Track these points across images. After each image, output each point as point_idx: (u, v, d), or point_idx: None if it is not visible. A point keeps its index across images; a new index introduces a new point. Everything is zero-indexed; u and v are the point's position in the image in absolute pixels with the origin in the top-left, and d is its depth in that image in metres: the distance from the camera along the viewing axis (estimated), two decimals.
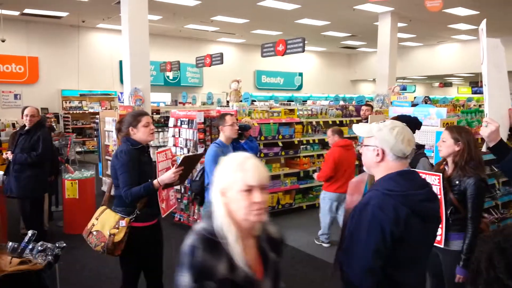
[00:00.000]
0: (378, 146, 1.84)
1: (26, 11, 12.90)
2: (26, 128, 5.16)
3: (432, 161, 3.91)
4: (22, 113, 5.23)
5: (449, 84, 28.70)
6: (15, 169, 5.05)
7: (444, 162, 3.11)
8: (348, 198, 2.10)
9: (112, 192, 3.37)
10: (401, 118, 3.71)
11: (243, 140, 5.73)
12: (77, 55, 15.17)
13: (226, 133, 4.60)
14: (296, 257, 5.42)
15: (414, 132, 3.74)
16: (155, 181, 3.04)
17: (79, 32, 15.25)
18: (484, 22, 2.00)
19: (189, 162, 3.23)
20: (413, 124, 3.66)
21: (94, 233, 3.09)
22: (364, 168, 1.99)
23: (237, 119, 5.94)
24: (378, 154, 1.83)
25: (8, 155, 5.07)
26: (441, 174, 2.97)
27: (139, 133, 3.16)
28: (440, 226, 2.95)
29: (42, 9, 12.83)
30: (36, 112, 5.26)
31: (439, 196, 3.24)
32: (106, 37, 16.07)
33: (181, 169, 3.07)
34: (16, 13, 13.18)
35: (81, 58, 15.28)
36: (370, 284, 1.73)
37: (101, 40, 16.09)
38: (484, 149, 2.12)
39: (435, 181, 2.98)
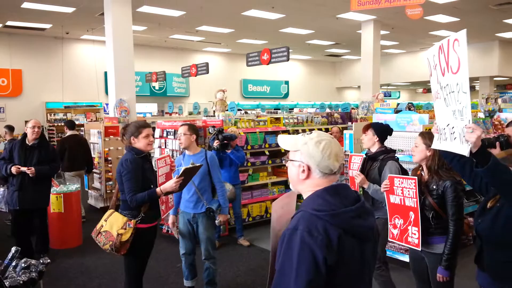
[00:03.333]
0: (304, 162, 1.65)
1: (9, 23, 12.79)
2: (35, 140, 5.18)
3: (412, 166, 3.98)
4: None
5: None
6: (33, 182, 5.05)
7: (421, 168, 3.17)
8: (275, 221, 1.91)
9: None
10: (373, 125, 3.88)
11: (229, 150, 5.74)
12: (61, 67, 15.05)
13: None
14: None
15: (386, 138, 3.83)
16: (157, 189, 3.35)
17: (63, 44, 15.14)
18: (464, 32, 2.01)
19: (188, 173, 3.46)
20: (385, 131, 3.83)
21: (103, 233, 3.35)
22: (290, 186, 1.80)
23: (223, 129, 5.96)
24: (303, 171, 1.65)
25: (25, 169, 4.97)
26: (416, 178, 3.03)
27: (139, 143, 3.46)
28: (417, 229, 3.01)
29: (25, 21, 12.73)
30: (39, 123, 5.36)
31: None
32: (90, 48, 15.98)
33: (181, 179, 3.35)
34: None
35: (66, 70, 15.17)
36: None
37: (86, 52, 16.00)
38: (467, 154, 2.10)
39: (411, 185, 3.03)
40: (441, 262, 2.92)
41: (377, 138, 3.79)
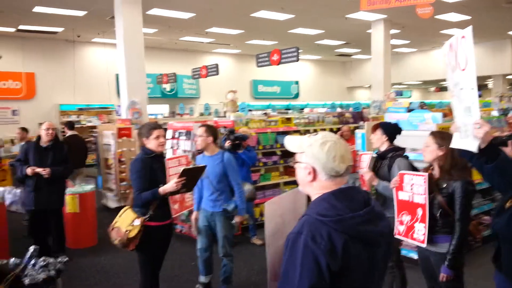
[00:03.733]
0: (309, 164, 1.63)
1: (21, 27, 12.98)
2: (49, 142, 5.26)
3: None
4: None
5: (445, 89, 28.82)
6: (48, 182, 5.14)
7: (431, 167, 3.17)
8: (278, 220, 1.89)
9: None
10: (381, 125, 3.88)
11: (241, 150, 5.77)
12: (73, 69, 15.22)
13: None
14: None
15: (395, 138, 3.80)
16: (160, 189, 3.39)
17: (74, 47, 15.31)
18: (470, 28, 2.02)
19: (191, 174, 3.48)
20: (394, 130, 3.82)
21: (116, 229, 3.47)
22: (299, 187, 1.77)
23: (234, 130, 5.98)
24: (310, 173, 1.63)
25: (40, 170, 5.05)
26: (426, 174, 3.03)
27: (150, 144, 3.55)
28: (424, 226, 3.00)
29: (37, 25, 12.90)
30: (54, 125, 5.47)
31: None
32: (101, 51, 16.15)
33: (182, 180, 3.36)
34: (12, 29, 13.26)
35: (78, 73, 15.34)
36: None
37: (97, 54, 16.17)
38: (475, 150, 2.10)
39: (421, 182, 3.03)
40: (444, 262, 2.92)
41: (386, 138, 3.78)
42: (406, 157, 3.74)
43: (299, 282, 1.45)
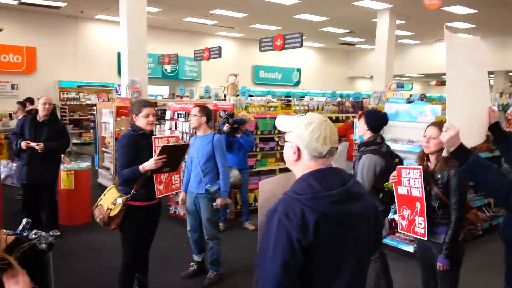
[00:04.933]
0: (294, 144, 1.66)
1: (24, 0, 12.83)
2: (46, 116, 5.25)
3: None
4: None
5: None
6: (41, 157, 5.14)
7: (426, 158, 3.14)
8: (261, 202, 1.90)
9: None
10: (366, 113, 3.70)
11: (239, 134, 5.76)
12: (75, 46, 15.10)
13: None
14: None
15: (379, 128, 3.60)
16: (140, 166, 3.32)
17: (77, 23, 15.17)
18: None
19: (172, 151, 3.37)
20: (378, 120, 3.60)
21: (99, 206, 3.46)
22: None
23: (233, 113, 5.96)
24: (294, 152, 1.66)
25: (34, 145, 5.05)
26: (421, 168, 3.02)
27: (139, 122, 3.48)
28: (423, 219, 3.01)
29: None
30: (51, 100, 5.44)
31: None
32: (104, 28, 15.99)
33: (162, 158, 3.28)
34: (14, 2, 13.10)
35: (79, 49, 15.22)
36: None
37: (99, 32, 16.01)
38: (445, 153, 2.15)
39: (416, 175, 3.02)
40: (441, 251, 2.92)
41: (367, 127, 3.56)
42: (382, 153, 3.51)
43: (272, 259, 1.50)
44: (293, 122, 1.68)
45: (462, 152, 2.07)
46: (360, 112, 3.86)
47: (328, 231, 1.52)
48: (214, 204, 4.26)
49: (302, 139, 1.63)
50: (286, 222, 1.50)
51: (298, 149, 1.65)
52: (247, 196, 6.26)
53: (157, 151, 3.40)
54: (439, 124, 3.09)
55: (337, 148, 1.67)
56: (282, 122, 1.75)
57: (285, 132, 1.73)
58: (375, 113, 3.73)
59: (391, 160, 3.54)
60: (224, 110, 6.39)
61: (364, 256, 1.71)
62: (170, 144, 3.39)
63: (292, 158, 1.68)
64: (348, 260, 1.60)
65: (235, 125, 5.69)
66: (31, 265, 1.52)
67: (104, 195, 3.52)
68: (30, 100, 8.84)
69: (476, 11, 13.11)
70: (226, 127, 5.70)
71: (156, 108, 10.25)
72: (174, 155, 3.43)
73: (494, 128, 2.41)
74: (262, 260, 1.55)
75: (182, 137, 6.40)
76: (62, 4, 13.40)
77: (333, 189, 1.56)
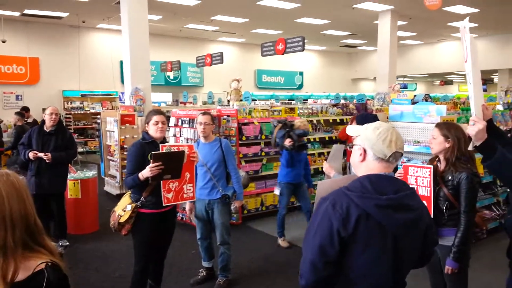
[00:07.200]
0: (361, 145, 1.79)
1: (26, 11, 12.93)
2: (53, 127, 5.28)
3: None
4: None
5: (450, 82, 28.69)
6: (49, 167, 5.16)
7: (437, 159, 3.14)
8: (317, 200, 1.98)
9: None
10: (357, 117, 3.83)
11: (306, 151, 5.53)
12: (77, 55, 15.19)
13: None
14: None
15: None
16: (139, 174, 3.35)
17: (79, 33, 15.27)
18: (467, 19, 1.98)
19: (167, 158, 3.31)
20: (371, 120, 3.64)
21: (113, 213, 3.54)
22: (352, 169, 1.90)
23: (292, 124, 5.37)
24: (361, 154, 1.78)
25: (42, 155, 5.08)
26: (432, 166, 3.02)
27: (150, 130, 3.57)
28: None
29: (42, 10, 12.84)
30: (57, 110, 5.49)
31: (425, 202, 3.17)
32: (106, 37, 16.09)
33: (157, 165, 3.23)
34: (17, 13, 13.21)
35: (82, 59, 15.32)
36: (312, 279, 1.66)
37: (102, 40, 16.11)
38: (470, 147, 2.11)
39: (425, 174, 3.02)
40: (450, 254, 2.91)
41: None
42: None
43: (313, 238, 1.67)
44: (362, 127, 1.83)
45: (488, 147, 2.02)
46: (352, 116, 3.91)
47: (368, 230, 1.64)
48: (232, 207, 4.35)
49: (369, 140, 1.75)
50: (331, 211, 1.64)
51: (364, 151, 1.77)
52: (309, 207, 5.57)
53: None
54: (439, 124, 3.14)
55: (402, 154, 1.78)
56: (353, 128, 1.93)
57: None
58: (368, 116, 3.86)
59: None
60: (278, 120, 5.59)
61: (404, 265, 1.77)
62: (164, 151, 3.32)
63: (358, 159, 1.79)
64: (383, 262, 1.68)
65: (301, 143, 5.17)
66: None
67: (120, 201, 3.62)
68: (26, 109, 9.29)
69: (478, 10, 13.08)
70: (289, 143, 5.08)
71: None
72: (172, 162, 3.36)
73: (488, 125, 2.40)
74: (306, 236, 1.73)
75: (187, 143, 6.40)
76: (64, 14, 13.50)
77: (383, 195, 1.65)
